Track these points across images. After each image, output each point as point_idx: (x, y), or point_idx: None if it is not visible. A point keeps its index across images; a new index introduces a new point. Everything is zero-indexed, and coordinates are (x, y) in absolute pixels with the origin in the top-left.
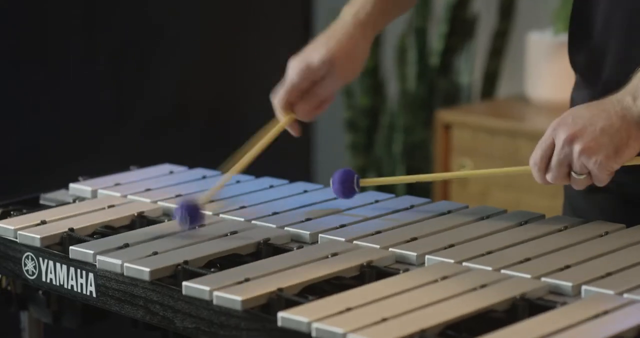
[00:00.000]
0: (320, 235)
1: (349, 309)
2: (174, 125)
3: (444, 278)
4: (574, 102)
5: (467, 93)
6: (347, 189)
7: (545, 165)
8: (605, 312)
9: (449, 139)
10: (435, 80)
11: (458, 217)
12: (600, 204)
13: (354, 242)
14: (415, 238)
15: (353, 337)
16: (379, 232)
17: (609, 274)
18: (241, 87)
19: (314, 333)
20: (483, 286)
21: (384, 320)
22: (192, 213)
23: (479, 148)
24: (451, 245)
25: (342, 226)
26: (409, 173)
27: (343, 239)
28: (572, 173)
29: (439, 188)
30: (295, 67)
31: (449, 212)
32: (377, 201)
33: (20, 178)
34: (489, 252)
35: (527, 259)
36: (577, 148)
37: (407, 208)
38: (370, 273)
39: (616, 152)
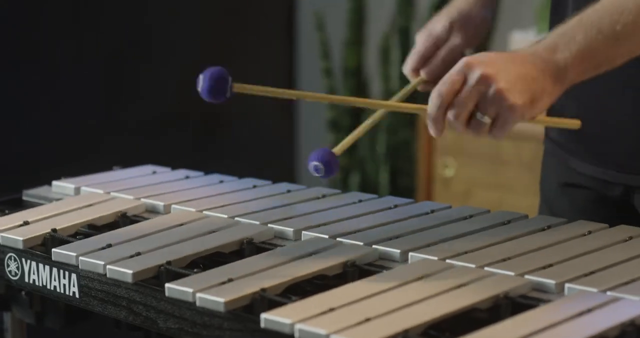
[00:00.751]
0: (303, 232)
1: (332, 309)
2: (158, 129)
3: (427, 275)
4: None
5: None
6: (217, 90)
7: (449, 101)
8: (589, 310)
9: (433, 138)
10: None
11: (441, 217)
12: (577, 203)
13: (338, 239)
14: (399, 236)
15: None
16: (362, 230)
17: (592, 272)
18: None
19: (296, 335)
20: (466, 284)
21: (367, 320)
22: (327, 162)
23: (463, 147)
24: (434, 243)
25: (325, 223)
26: (392, 173)
27: (326, 236)
28: (477, 115)
29: (422, 189)
30: (420, 37)
31: (432, 211)
32: (360, 201)
33: (9, 179)
34: (472, 250)
35: (510, 257)
36: (494, 87)
37: (390, 208)
38: (353, 271)
39: (532, 101)
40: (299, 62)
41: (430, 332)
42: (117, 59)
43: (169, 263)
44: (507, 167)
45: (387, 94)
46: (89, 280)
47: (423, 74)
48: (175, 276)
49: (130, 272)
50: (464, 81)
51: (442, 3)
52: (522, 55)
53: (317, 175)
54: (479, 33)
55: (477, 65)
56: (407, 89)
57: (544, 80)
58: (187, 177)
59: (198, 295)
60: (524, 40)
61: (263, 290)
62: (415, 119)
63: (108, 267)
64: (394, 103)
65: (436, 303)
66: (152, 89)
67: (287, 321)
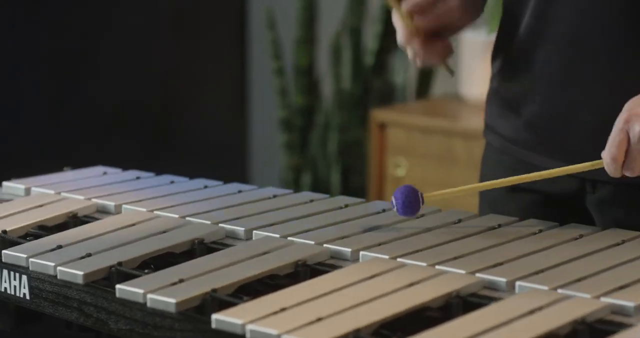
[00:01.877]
0: (254, 231)
1: (283, 309)
2: (108, 129)
3: (379, 274)
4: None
5: (402, 92)
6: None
7: (623, 160)
8: (540, 308)
9: (384, 138)
10: (370, 79)
11: (392, 216)
12: (524, 207)
13: (289, 238)
14: (350, 235)
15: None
16: (313, 229)
17: (542, 270)
18: (176, 88)
19: (248, 335)
20: (417, 282)
21: (319, 319)
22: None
23: (414, 147)
24: (386, 242)
25: (277, 223)
26: (344, 172)
27: (278, 235)
28: None
29: (374, 189)
30: None
31: (383, 211)
32: (312, 201)
33: None
34: (423, 248)
35: (461, 256)
36: None
37: (341, 208)
38: (304, 271)
39: None
40: (251, 61)
41: (381, 331)
42: (66, 61)
43: (119, 264)
44: (458, 167)
45: (338, 93)
46: (39, 281)
47: (417, 21)
48: (126, 277)
49: (81, 273)
50: (628, 138)
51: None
52: None
53: (394, 208)
54: (476, 9)
55: (635, 119)
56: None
57: None
58: (138, 178)
59: (149, 296)
60: (475, 40)
61: (214, 290)
62: (366, 118)
63: (59, 268)
64: (569, 168)
65: (388, 302)
66: (102, 90)
67: (239, 321)
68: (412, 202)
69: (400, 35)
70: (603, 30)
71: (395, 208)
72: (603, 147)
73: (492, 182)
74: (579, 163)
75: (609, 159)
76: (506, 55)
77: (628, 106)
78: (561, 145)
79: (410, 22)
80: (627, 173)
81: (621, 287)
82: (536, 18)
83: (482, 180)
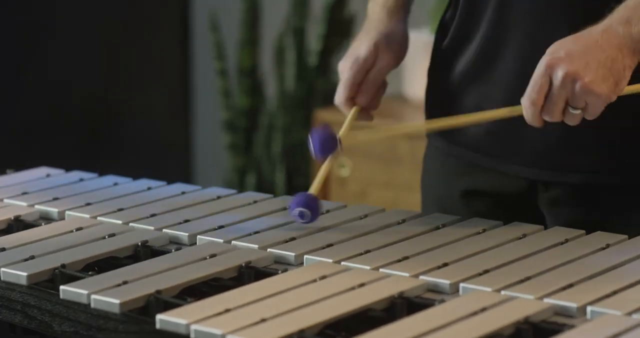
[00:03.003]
0: (198, 236)
1: (227, 310)
2: (51, 128)
3: (323, 277)
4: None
5: None
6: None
7: (542, 104)
8: (483, 309)
9: None
10: (313, 80)
11: (336, 217)
12: (476, 210)
13: (233, 242)
14: (294, 238)
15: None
16: (257, 232)
17: (486, 271)
18: (119, 88)
19: (192, 335)
20: (361, 285)
21: (263, 320)
22: (313, 207)
23: (358, 147)
24: (330, 245)
25: (221, 227)
26: (288, 173)
27: (221, 240)
28: (569, 109)
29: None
30: (345, 64)
31: (328, 211)
32: (255, 201)
33: None
34: (367, 251)
35: (405, 257)
36: (579, 84)
37: (285, 209)
38: (249, 273)
39: (616, 83)
40: (194, 63)
41: (326, 332)
42: (6, 59)
43: (63, 266)
44: (402, 167)
45: (282, 94)
46: None
47: (358, 101)
48: (69, 279)
49: (25, 274)
50: (550, 82)
51: (337, 4)
52: (598, 37)
53: (301, 221)
54: (404, 49)
55: (558, 63)
56: (349, 121)
57: (624, 57)
58: (81, 180)
59: (93, 296)
60: (417, 40)
61: (158, 291)
62: (310, 119)
63: (2, 269)
64: (486, 114)
65: (332, 304)
66: (45, 90)
67: (183, 322)
68: (328, 143)
69: (339, 97)
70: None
71: (312, 150)
72: (551, 146)
73: (418, 124)
74: (530, 164)
75: (528, 103)
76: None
77: (550, 50)
78: (503, 143)
79: (356, 113)
80: (546, 118)
81: (564, 288)
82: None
83: (424, 184)
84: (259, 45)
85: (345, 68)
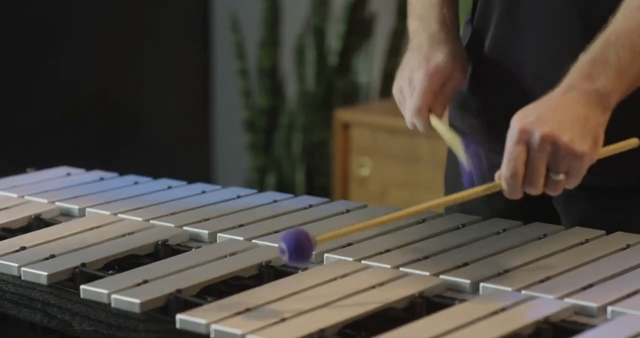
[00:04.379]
0: (218, 234)
1: (247, 310)
2: (71, 128)
3: (343, 276)
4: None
5: (366, 92)
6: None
7: (523, 174)
8: (503, 309)
9: (348, 138)
10: (333, 79)
11: (357, 216)
12: (494, 203)
13: (253, 241)
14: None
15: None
16: (277, 232)
17: (506, 271)
18: (140, 88)
19: (212, 335)
20: (382, 284)
21: (283, 320)
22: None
23: (378, 147)
24: (349, 244)
25: (241, 225)
26: (308, 173)
27: (242, 238)
28: (551, 175)
29: (338, 189)
30: (421, 73)
31: (347, 211)
32: (275, 201)
33: None
34: (388, 250)
35: (426, 257)
36: (558, 144)
37: (305, 208)
38: (268, 272)
39: (595, 141)
40: (214, 63)
41: (346, 331)
42: (27, 57)
43: (83, 265)
44: (423, 166)
45: (303, 94)
46: (2, 283)
47: (435, 110)
48: (90, 278)
49: (45, 274)
50: (528, 149)
51: (357, 3)
52: (564, 97)
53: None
54: (467, 67)
55: (532, 127)
56: (444, 128)
57: (594, 113)
58: (101, 179)
59: (113, 296)
60: None
61: (178, 291)
62: (330, 118)
63: (22, 269)
64: (466, 193)
65: (352, 303)
66: (63, 89)
67: (203, 321)
68: (304, 248)
69: (415, 105)
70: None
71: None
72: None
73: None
74: None
75: (508, 174)
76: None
77: (516, 118)
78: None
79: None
80: (529, 189)
81: (584, 288)
82: (505, 23)
83: (447, 182)
84: (279, 45)
85: (421, 75)
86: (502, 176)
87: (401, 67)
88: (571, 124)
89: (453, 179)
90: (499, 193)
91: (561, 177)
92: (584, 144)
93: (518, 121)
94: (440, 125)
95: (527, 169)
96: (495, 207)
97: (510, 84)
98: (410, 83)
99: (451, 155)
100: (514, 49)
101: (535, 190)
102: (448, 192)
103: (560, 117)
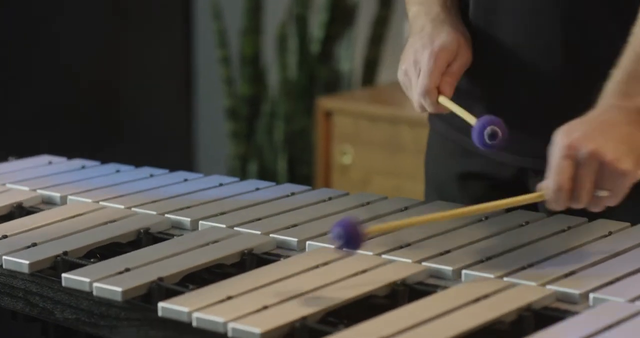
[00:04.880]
0: (200, 222)
1: (229, 297)
2: (52, 117)
3: (325, 264)
4: None
5: (348, 80)
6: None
7: (570, 188)
8: (486, 296)
9: (330, 126)
10: (316, 68)
11: (338, 204)
12: (471, 193)
13: (235, 228)
14: (295, 225)
15: (234, 326)
16: (259, 219)
17: (489, 258)
18: (122, 77)
19: (194, 323)
20: (364, 271)
21: (265, 307)
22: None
23: (360, 135)
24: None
25: (223, 213)
26: (290, 161)
27: (224, 226)
28: (596, 192)
29: (321, 177)
30: (427, 54)
31: (330, 199)
32: (257, 189)
33: None
34: (370, 238)
35: (408, 244)
36: (604, 162)
37: (287, 196)
38: (251, 260)
39: (638, 160)
40: (196, 51)
41: (328, 319)
42: (11, 49)
43: (65, 253)
44: (405, 154)
45: (285, 82)
46: None
47: (443, 90)
48: (71, 266)
49: (27, 262)
50: (573, 164)
51: None
52: (606, 115)
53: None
54: (470, 48)
55: (579, 143)
56: (459, 108)
57: (637, 131)
58: (83, 167)
59: (95, 284)
60: None
61: (160, 279)
62: (312, 106)
63: (4, 257)
64: (510, 200)
65: (334, 290)
66: (46, 79)
67: (185, 309)
68: (358, 237)
69: (424, 85)
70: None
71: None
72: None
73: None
74: (523, 152)
75: (555, 187)
76: None
77: (562, 134)
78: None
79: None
80: (573, 205)
81: (566, 275)
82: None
83: (426, 166)
84: (262, 33)
85: (425, 58)
86: (547, 188)
87: (405, 50)
88: (615, 142)
89: (433, 161)
90: (476, 180)
91: (605, 193)
92: (628, 161)
93: (564, 136)
94: (451, 103)
95: (573, 184)
96: (472, 193)
97: (489, 56)
98: (416, 64)
99: (432, 140)
100: (493, 21)
101: (579, 205)
102: (428, 175)
103: (606, 135)
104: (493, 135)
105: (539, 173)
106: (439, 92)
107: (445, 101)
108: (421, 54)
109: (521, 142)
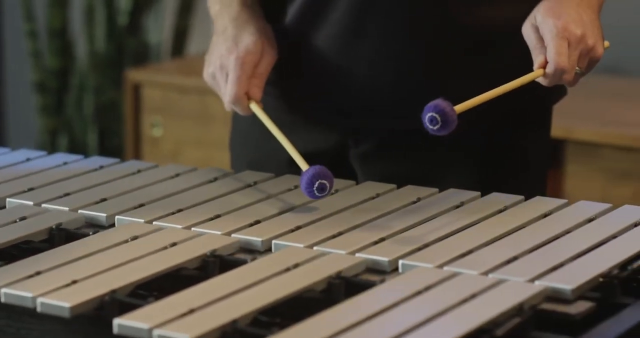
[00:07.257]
0: (8, 199)
1: (38, 273)
2: None
3: (134, 238)
4: None
5: (157, 52)
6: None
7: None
8: (296, 265)
9: (139, 98)
10: (124, 39)
11: (148, 176)
12: (286, 163)
13: (43, 205)
14: (105, 199)
15: (42, 301)
16: (67, 194)
17: (298, 227)
18: None
19: (2, 299)
20: (173, 244)
21: (74, 282)
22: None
23: (170, 106)
24: (141, 205)
25: (31, 189)
26: (101, 133)
27: (31, 203)
28: (576, 70)
29: (130, 149)
30: (232, 59)
31: (139, 171)
32: (65, 163)
33: None
34: (180, 210)
35: (218, 216)
36: (589, 43)
37: (96, 169)
38: (60, 236)
39: (602, 45)
40: (3, 24)
41: (260, 319)
42: None
43: None
44: (216, 125)
45: (93, 54)
46: None
47: (252, 95)
48: None
49: None
50: (567, 45)
51: None
52: (573, 2)
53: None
54: (275, 44)
55: (571, 26)
56: (268, 119)
57: (597, 18)
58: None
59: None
60: None
61: None
62: (121, 79)
63: None
64: (511, 84)
65: (144, 264)
66: None
67: (29, 294)
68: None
69: (234, 94)
70: None
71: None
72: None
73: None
74: (335, 110)
75: (557, 65)
76: None
77: (551, 15)
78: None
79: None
80: (565, 77)
81: (376, 242)
82: None
83: (233, 135)
84: (69, 6)
85: (231, 64)
86: (550, 65)
87: (209, 51)
88: (592, 27)
89: (240, 144)
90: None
91: (579, 71)
92: (601, 45)
93: (555, 18)
94: (260, 113)
95: (572, 61)
96: (291, 168)
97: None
98: (222, 69)
99: (236, 120)
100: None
101: (569, 78)
102: (235, 155)
103: (586, 20)
104: (322, 189)
105: (359, 141)
106: (249, 98)
107: (256, 109)
108: (227, 59)
109: (345, 112)
